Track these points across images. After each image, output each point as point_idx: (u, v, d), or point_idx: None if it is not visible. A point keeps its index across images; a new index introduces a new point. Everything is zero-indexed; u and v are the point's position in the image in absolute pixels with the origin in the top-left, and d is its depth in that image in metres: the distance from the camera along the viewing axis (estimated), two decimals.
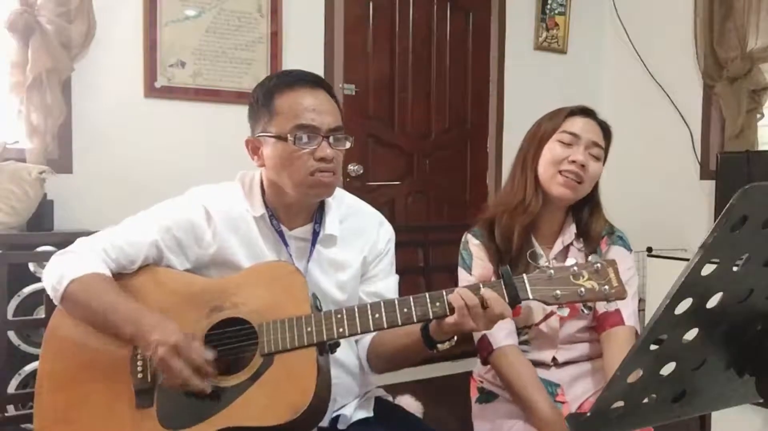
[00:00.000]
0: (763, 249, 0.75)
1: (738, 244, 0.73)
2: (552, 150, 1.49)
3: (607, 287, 1.11)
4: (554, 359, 1.52)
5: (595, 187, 1.55)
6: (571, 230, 1.53)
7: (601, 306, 1.48)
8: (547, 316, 1.50)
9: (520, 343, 1.54)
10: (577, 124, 1.50)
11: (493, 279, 1.18)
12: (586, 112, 1.53)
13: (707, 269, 0.73)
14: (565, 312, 1.15)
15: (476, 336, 1.50)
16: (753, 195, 0.70)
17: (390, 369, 1.40)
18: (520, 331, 1.53)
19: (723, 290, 0.77)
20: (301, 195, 1.29)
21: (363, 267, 1.39)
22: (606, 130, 1.54)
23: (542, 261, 1.49)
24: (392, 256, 1.45)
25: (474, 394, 1.62)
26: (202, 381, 1.13)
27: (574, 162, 1.45)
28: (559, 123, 1.51)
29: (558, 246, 1.53)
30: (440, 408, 1.75)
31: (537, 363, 1.52)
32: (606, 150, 1.54)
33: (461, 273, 1.55)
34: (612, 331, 1.46)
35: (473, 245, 1.55)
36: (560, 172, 1.46)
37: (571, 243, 1.53)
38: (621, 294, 1.12)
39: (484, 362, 1.52)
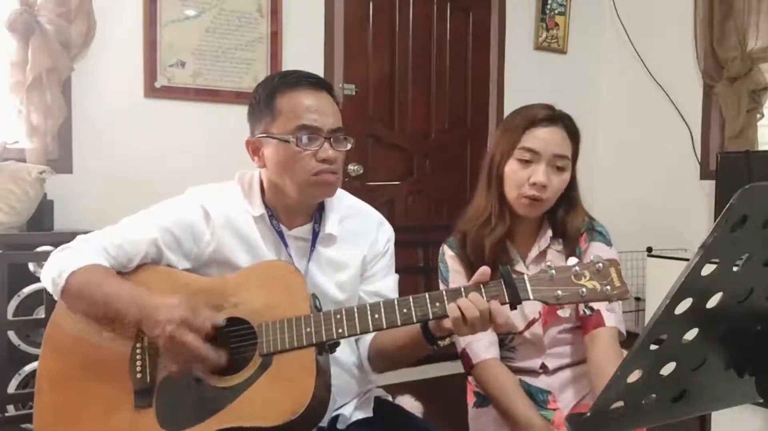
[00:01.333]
0: (763, 249, 0.75)
1: (738, 244, 0.73)
2: (512, 171, 1.44)
3: (609, 287, 1.10)
4: (543, 366, 1.51)
5: (571, 186, 1.49)
6: (547, 235, 1.49)
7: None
8: (529, 324, 1.49)
9: (507, 350, 1.53)
10: (536, 138, 1.42)
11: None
12: (547, 120, 1.44)
13: (707, 269, 0.72)
14: (567, 312, 1.14)
15: (458, 347, 1.49)
16: (753, 195, 0.70)
17: (391, 368, 1.40)
18: (504, 338, 1.52)
19: (723, 290, 0.77)
20: (303, 195, 1.29)
21: (362, 266, 1.40)
22: (572, 133, 1.46)
23: (519, 268, 1.48)
24: (391, 256, 1.45)
25: (471, 398, 1.61)
26: (215, 351, 1.13)
27: (534, 184, 1.40)
28: (517, 138, 1.44)
29: (534, 251, 1.49)
30: (440, 408, 1.75)
31: (526, 371, 1.51)
32: (574, 153, 1.47)
33: (441, 286, 1.53)
34: (594, 333, 1.43)
35: (449, 257, 1.53)
36: (522, 195, 1.42)
37: (549, 247, 1.49)
38: (623, 295, 1.11)
39: (468, 374, 1.51)
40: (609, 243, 1.50)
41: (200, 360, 1.13)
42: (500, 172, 1.47)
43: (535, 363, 1.51)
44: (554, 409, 1.46)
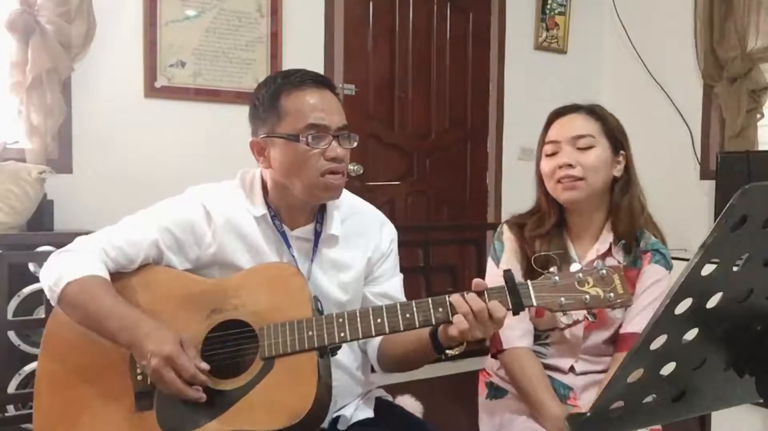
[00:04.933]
0: (763, 249, 0.75)
1: (738, 244, 0.73)
2: (544, 165, 1.49)
3: (612, 294, 1.10)
4: (572, 368, 1.50)
5: (625, 169, 1.49)
6: (608, 239, 1.47)
7: (627, 327, 1.43)
8: (572, 323, 1.47)
9: (540, 346, 1.52)
10: (554, 131, 1.48)
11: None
12: (564, 111, 1.50)
13: (707, 269, 0.72)
14: (571, 319, 1.13)
15: None
16: (753, 195, 0.70)
17: (400, 370, 1.40)
18: (542, 333, 1.51)
19: (723, 290, 0.77)
20: (310, 196, 1.29)
21: (367, 268, 1.39)
22: (592, 112, 1.49)
23: (573, 268, 1.45)
24: (396, 256, 1.45)
25: (483, 390, 1.61)
26: (195, 391, 1.12)
27: (561, 167, 1.44)
28: (543, 136, 1.51)
29: (592, 254, 1.47)
30: (440, 408, 1.75)
31: (554, 368, 1.51)
32: (607, 133, 1.48)
33: (489, 264, 1.54)
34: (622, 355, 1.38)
35: (507, 238, 1.53)
36: (558, 181, 1.45)
37: (609, 254, 1.47)
38: (626, 302, 1.11)
39: (494, 356, 1.52)
40: (668, 267, 1.48)
41: (180, 396, 1.12)
42: (539, 174, 1.52)
43: (565, 364, 1.50)
44: (573, 406, 1.45)
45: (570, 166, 1.43)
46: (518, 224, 1.54)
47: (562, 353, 1.50)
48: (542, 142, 1.51)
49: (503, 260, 1.52)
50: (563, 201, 1.47)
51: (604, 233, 1.49)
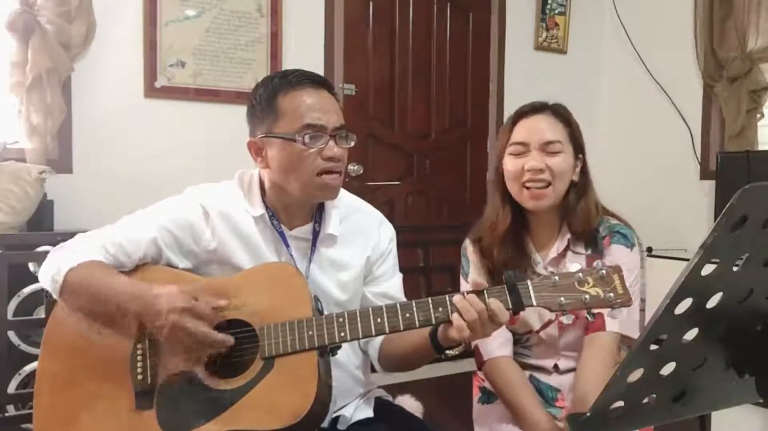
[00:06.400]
0: (763, 249, 0.75)
1: (738, 244, 0.73)
2: (508, 165, 1.46)
3: (612, 294, 1.09)
4: (556, 366, 1.50)
5: (581, 173, 1.49)
6: (566, 237, 1.47)
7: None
8: (545, 325, 1.48)
9: (523, 348, 1.53)
10: (522, 130, 1.46)
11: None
12: (532, 110, 1.48)
13: (707, 269, 0.73)
14: (570, 319, 1.14)
15: (472, 343, 1.48)
16: (753, 195, 0.70)
17: (401, 370, 1.41)
18: (521, 337, 1.52)
19: (723, 290, 0.77)
20: (307, 196, 1.29)
21: (366, 268, 1.39)
22: (560, 115, 1.48)
23: (539, 268, 1.47)
24: (395, 255, 1.45)
25: (476, 394, 1.62)
26: (222, 335, 1.15)
27: (529, 170, 1.42)
28: (507, 135, 1.48)
29: (552, 252, 1.48)
30: (440, 408, 1.75)
31: (538, 368, 1.51)
32: (572, 137, 1.47)
33: (462, 281, 1.55)
34: (593, 336, 1.41)
35: (470, 252, 1.54)
36: (523, 185, 1.43)
37: (568, 248, 1.47)
38: (626, 302, 1.10)
39: (479, 368, 1.52)
40: (630, 245, 1.47)
41: (207, 344, 1.14)
42: (500, 171, 1.49)
43: (548, 363, 1.51)
44: (562, 407, 1.46)
45: (540, 170, 1.42)
46: (478, 238, 1.53)
47: (544, 353, 1.51)
48: (506, 142, 1.48)
49: (471, 274, 1.52)
50: (529, 207, 1.46)
51: (562, 232, 1.49)
